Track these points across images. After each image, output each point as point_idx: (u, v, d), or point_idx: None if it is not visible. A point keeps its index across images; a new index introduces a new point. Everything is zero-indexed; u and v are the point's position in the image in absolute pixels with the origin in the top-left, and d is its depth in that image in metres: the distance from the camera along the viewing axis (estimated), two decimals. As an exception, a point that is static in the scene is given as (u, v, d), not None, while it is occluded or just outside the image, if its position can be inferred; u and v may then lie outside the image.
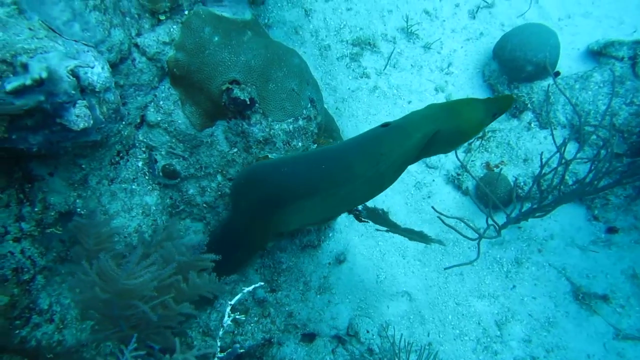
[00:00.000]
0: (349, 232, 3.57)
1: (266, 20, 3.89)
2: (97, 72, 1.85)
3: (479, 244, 3.04)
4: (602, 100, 3.64)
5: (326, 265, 3.43)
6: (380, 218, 2.64)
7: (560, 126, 3.85)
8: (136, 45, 2.34)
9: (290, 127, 2.63)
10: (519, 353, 3.52)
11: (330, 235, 3.47)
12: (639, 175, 3.02)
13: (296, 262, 3.26)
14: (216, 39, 2.45)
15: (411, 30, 4.26)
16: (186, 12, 2.50)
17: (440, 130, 1.78)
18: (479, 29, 4.43)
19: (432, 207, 3.05)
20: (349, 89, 4.04)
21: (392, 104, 4.09)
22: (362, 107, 4.01)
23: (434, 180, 3.92)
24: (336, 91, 4.02)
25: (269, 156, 2.52)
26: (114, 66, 2.18)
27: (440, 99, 4.22)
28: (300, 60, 2.70)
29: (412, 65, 4.25)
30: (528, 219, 3.56)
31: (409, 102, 4.11)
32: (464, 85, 4.22)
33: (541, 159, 3.07)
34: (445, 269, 3.44)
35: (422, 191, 3.86)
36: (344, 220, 3.55)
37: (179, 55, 2.45)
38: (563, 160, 2.95)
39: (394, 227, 2.60)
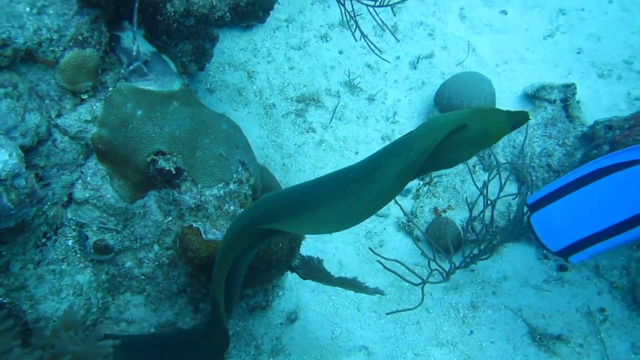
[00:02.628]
0: (299, 289, 3.53)
1: (208, 85, 3.99)
2: (3, 160, 1.86)
3: (422, 289, 3.06)
4: (537, 142, 3.75)
5: (278, 326, 3.36)
6: (315, 270, 2.62)
7: (502, 168, 3.94)
8: (57, 126, 2.37)
9: (221, 192, 2.65)
10: (483, 401, 3.45)
11: (280, 294, 3.43)
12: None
13: (244, 325, 3.19)
14: (139, 112, 2.50)
15: (354, 83, 4.40)
16: (110, 89, 2.55)
17: (467, 126, 1.75)
18: (421, 78, 4.60)
19: (370, 249, 3.07)
20: (295, 144, 4.10)
21: (339, 156, 4.16)
22: (309, 161, 4.06)
23: (385, 229, 3.93)
24: (282, 147, 4.08)
25: (194, 225, 2.52)
26: (30, 149, 2.19)
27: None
28: (229, 126, 2.75)
29: (357, 116, 4.35)
30: (476, 262, 3.57)
31: (356, 153, 4.18)
32: (409, 133, 4.32)
33: (467, 202, 3.13)
34: (387, 314, 3.40)
35: (373, 240, 3.87)
36: (294, 277, 3.51)
37: (102, 132, 2.48)
38: (489, 202, 3.03)
39: (327, 280, 2.58)
